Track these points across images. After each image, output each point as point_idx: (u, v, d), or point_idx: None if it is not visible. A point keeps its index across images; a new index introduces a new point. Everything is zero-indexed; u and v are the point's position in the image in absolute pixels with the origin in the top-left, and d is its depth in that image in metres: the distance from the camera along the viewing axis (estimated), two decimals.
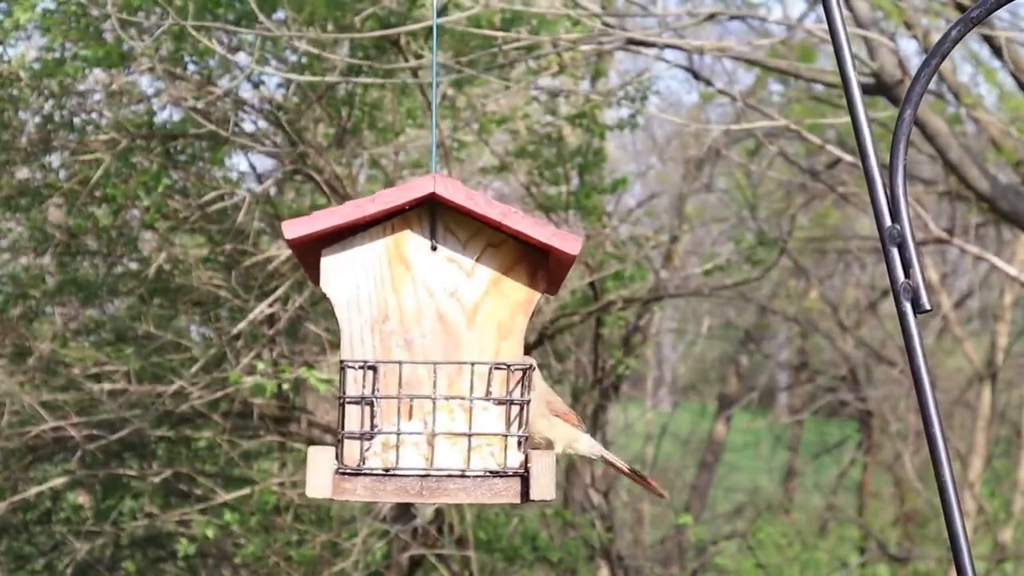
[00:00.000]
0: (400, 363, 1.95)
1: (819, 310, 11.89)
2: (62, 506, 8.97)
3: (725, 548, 11.78)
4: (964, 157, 7.15)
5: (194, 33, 6.95)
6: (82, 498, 9.20)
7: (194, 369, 7.99)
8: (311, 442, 8.79)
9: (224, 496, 8.39)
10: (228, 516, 8.35)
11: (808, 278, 11.24)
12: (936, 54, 1.91)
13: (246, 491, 8.51)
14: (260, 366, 8.07)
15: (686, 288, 10.11)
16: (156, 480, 8.46)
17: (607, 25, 6.92)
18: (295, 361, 8.36)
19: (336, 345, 8.53)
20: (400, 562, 8.71)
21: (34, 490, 8.41)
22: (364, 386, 1.95)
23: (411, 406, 1.95)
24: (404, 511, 8.55)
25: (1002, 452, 13.13)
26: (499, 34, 6.95)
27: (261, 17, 6.79)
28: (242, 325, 7.96)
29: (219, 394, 7.95)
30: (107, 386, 8.09)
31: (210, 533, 8.25)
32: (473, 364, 1.96)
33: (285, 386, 8.40)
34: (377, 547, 8.68)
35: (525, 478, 1.93)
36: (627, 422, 11.44)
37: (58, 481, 8.47)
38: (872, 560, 11.99)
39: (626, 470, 2.27)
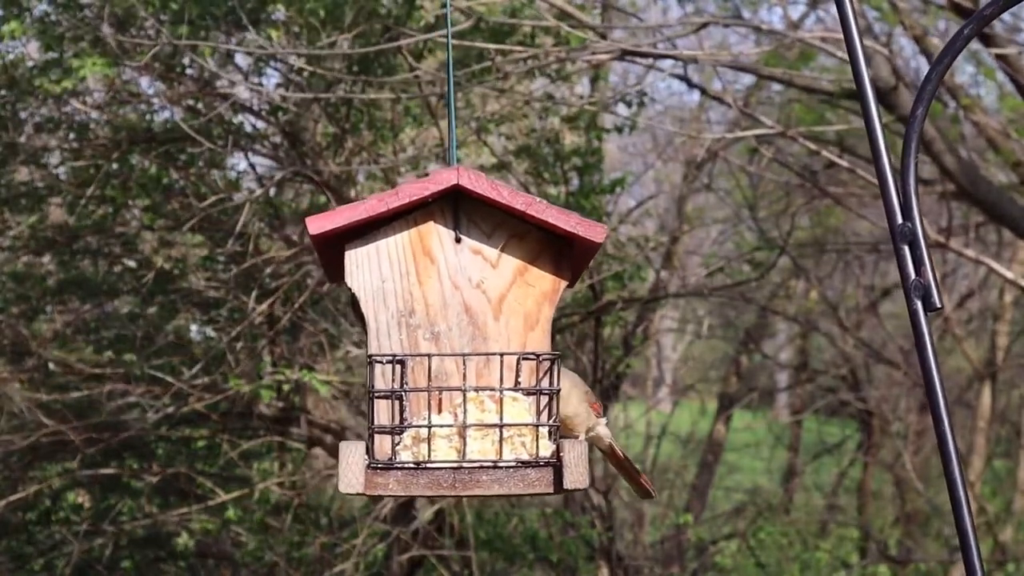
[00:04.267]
0: (429, 356, 1.95)
1: (819, 310, 11.88)
2: (61, 506, 8.96)
3: (725, 548, 11.77)
4: (957, 164, 7.17)
5: (191, 52, 6.95)
6: (82, 498, 9.18)
7: (194, 370, 7.97)
8: (311, 442, 8.78)
9: (224, 496, 8.38)
10: (229, 513, 8.35)
11: (808, 278, 11.22)
12: (949, 51, 1.89)
13: (246, 491, 8.50)
14: (261, 369, 8.06)
15: (686, 288, 10.10)
16: (155, 480, 8.45)
17: (601, 36, 6.92)
18: (295, 362, 8.35)
19: (335, 345, 8.54)
20: (400, 562, 8.69)
21: (33, 489, 8.40)
22: (393, 380, 1.95)
23: (440, 399, 1.95)
24: (404, 511, 8.54)
25: (1002, 452, 13.14)
26: (493, 46, 6.95)
27: (254, 34, 6.79)
28: (242, 325, 7.94)
29: (219, 397, 7.94)
30: (107, 386, 8.08)
31: (210, 527, 8.25)
32: (502, 355, 1.95)
33: (285, 386, 8.38)
34: (377, 548, 8.67)
35: (557, 467, 1.93)
36: (627, 422, 11.42)
37: (57, 480, 8.45)
38: (873, 560, 11.98)
39: (624, 461, 2.26)
